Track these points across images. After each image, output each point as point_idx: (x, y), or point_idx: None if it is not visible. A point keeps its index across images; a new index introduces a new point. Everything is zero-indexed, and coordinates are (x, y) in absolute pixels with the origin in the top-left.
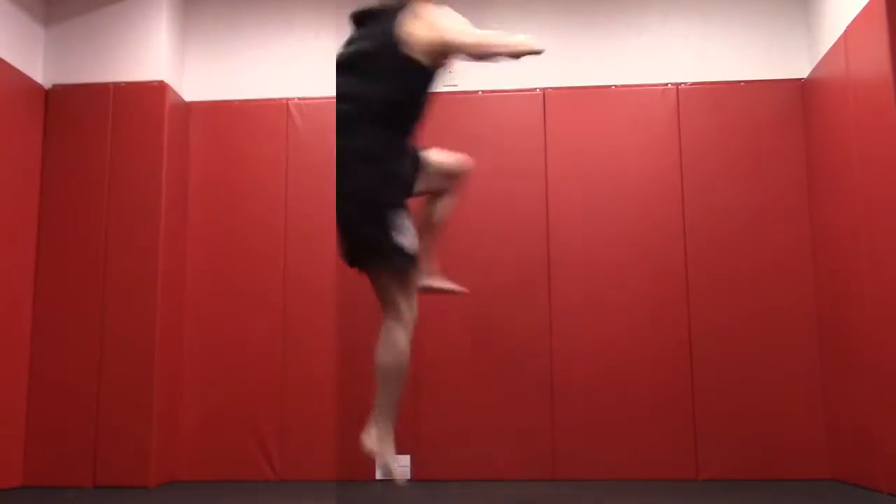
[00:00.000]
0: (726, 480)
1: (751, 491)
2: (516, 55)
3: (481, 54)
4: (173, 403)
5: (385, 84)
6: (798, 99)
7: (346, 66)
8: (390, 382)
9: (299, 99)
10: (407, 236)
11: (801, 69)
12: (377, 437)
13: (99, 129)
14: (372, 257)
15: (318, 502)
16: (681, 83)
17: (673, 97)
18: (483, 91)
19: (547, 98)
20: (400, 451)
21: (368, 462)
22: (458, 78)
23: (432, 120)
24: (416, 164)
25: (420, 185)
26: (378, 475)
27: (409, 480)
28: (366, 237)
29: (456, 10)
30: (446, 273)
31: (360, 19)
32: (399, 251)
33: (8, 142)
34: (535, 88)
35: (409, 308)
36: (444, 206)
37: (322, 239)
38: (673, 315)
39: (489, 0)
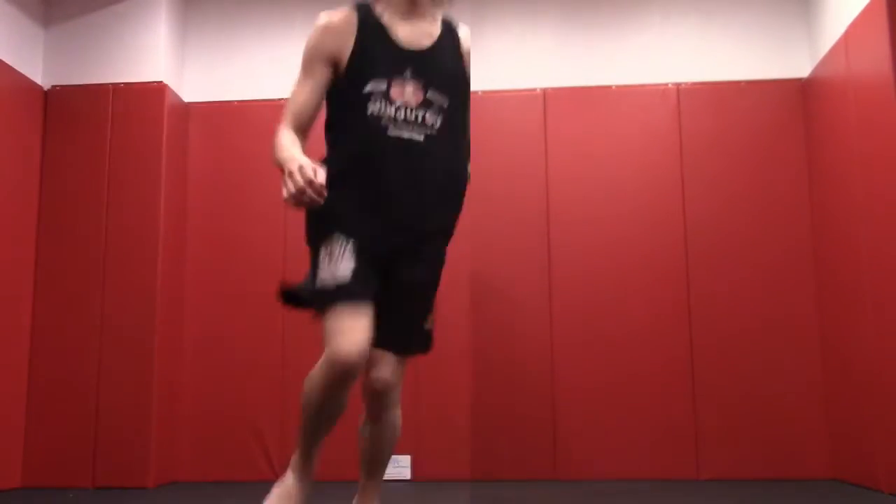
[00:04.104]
0: (727, 480)
1: (751, 491)
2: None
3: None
4: (173, 403)
5: None
6: (799, 99)
7: None
8: (303, 413)
9: None
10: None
11: (801, 69)
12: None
13: (99, 130)
14: None
15: (318, 502)
16: (681, 83)
17: (673, 97)
18: (483, 91)
19: (547, 98)
20: (400, 452)
21: None
22: None
23: None
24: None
25: None
26: None
27: (409, 480)
28: None
29: (457, 10)
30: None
31: None
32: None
33: (8, 142)
34: (536, 88)
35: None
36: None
37: None
38: (674, 315)
39: (489, 0)
